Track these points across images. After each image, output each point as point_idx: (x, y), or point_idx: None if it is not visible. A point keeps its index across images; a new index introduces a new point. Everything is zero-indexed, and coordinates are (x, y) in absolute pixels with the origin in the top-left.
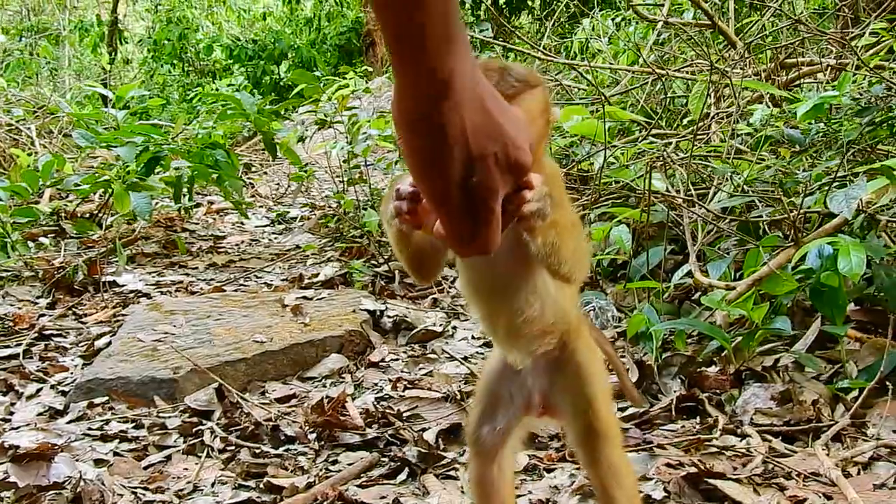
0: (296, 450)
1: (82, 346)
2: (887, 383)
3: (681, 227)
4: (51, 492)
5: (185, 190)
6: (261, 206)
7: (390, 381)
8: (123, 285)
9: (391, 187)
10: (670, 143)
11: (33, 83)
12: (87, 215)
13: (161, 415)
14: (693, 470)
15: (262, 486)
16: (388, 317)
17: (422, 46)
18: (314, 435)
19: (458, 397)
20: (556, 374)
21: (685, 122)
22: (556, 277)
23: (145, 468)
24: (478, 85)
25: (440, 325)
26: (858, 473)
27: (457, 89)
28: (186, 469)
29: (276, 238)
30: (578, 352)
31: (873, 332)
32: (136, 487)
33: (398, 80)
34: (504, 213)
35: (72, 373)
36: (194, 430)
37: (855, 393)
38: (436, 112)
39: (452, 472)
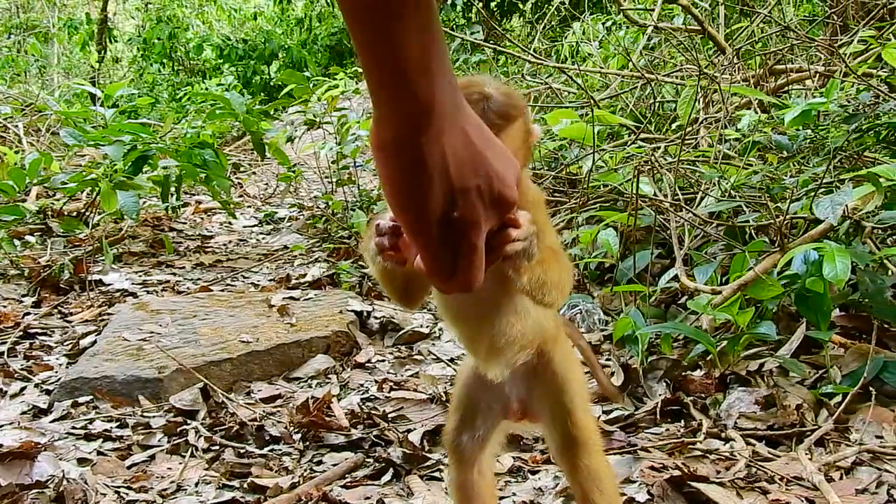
0: (280, 450)
1: (67, 345)
2: (871, 389)
3: (668, 232)
4: (33, 490)
5: (172, 189)
6: (249, 207)
7: (376, 382)
8: (110, 284)
9: (370, 224)
10: (658, 148)
11: (21, 81)
12: (74, 214)
13: (145, 414)
14: (677, 473)
15: (246, 486)
16: (375, 318)
17: (401, 72)
18: (299, 435)
19: (444, 399)
20: (533, 381)
21: (674, 126)
22: (539, 305)
23: (129, 467)
24: (461, 113)
25: (427, 326)
26: (841, 478)
27: (437, 118)
28: (170, 469)
29: (263, 238)
30: (555, 360)
31: (857, 337)
32: (119, 487)
33: (376, 106)
34: (488, 249)
35: (56, 372)
36: (179, 429)
37: (838, 398)
38: (415, 141)
39: (437, 474)
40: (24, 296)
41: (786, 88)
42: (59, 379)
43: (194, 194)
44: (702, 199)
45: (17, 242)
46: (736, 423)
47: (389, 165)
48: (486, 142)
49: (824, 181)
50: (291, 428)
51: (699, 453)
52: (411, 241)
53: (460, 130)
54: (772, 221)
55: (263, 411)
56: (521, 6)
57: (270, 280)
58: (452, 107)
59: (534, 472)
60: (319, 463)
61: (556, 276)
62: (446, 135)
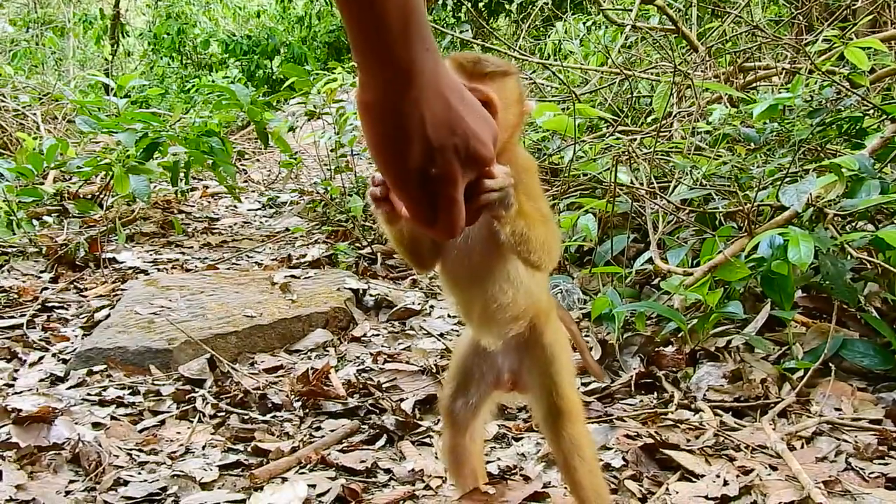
0: (282, 417)
1: (83, 318)
2: (830, 365)
3: (643, 218)
4: (50, 452)
5: (181, 174)
6: (253, 191)
7: (371, 354)
8: (122, 262)
9: (371, 177)
10: (635, 140)
11: (39, 72)
12: (89, 196)
13: (156, 382)
14: (650, 441)
15: (249, 449)
16: (371, 295)
17: (382, 37)
18: (299, 403)
19: (434, 370)
20: (524, 354)
21: (649, 119)
22: (527, 265)
23: (140, 431)
24: (441, 78)
25: (418, 303)
26: (802, 447)
27: (417, 81)
28: (179, 433)
29: (266, 221)
30: (546, 334)
31: (818, 317)
32: (131, 449)
33: (360, 70)
34: (467, 199)
35: (72, 342)
36: (187, 397)
37: (800, 373)
38: (395, 103)
39: (427, 440)
40: (42, 272)
41: (754, 84)
42: (75, 349)
43: (202, 179)
44: (675, 187)
45: (35, 222)
46: (705, 395)
47: (372, 126)
48: (464, 104)
49: (790, 171)
50: (292, 396)
51: (671, 423)
52: (395, 194)
53: (439, 94)
54: (740, 208)
55: (266, 381)
56: (507, 6)
57: (273, 259)
58: (431, 72)
59: (517, 439)
60: (318, 429)
61: (542, 237)
62: (424, 98)
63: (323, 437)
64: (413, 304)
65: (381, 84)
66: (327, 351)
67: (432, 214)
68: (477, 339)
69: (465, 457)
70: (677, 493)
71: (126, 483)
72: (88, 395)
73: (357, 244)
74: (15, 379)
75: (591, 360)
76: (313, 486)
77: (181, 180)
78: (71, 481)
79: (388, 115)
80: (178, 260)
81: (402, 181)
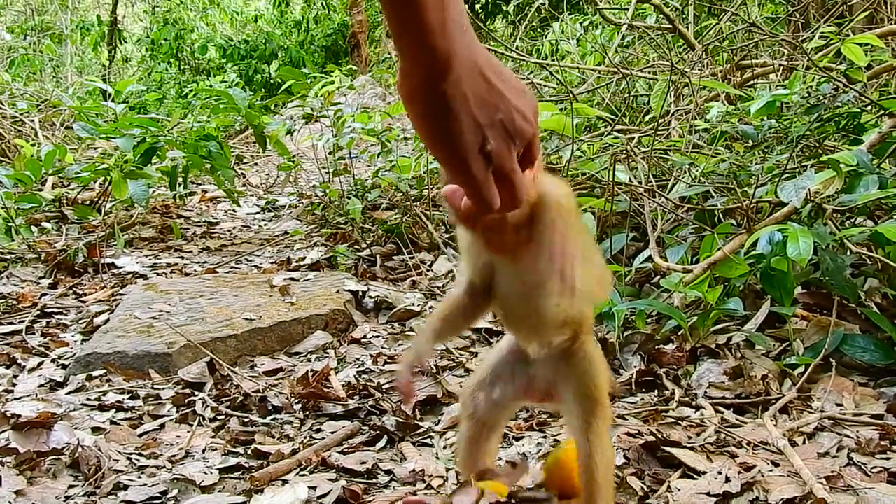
0: (282, 419)
1: (82, 323)
2: (831, 360)
3: (642, 216)
4: (50, 457)
5: (180, 179)
6: (251, 195)
7: (371, 356)
8: (121, 267)
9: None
10: (633, 138)
11: (37, 79)
12: (88, 202)
13: (155, 386)
14: (651, 438)
15: (249, 452)
16: (370, 297)
17: (421, 23)
18: (299, 405)
19: (434, 371)
20: (562, 363)
21: (647, 118)
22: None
23: (140, 435)
24: (478, 57)
25: (418, 305)
26: (804, 443)
27: (456, 65)
28: (179, 436)
29: (265, 224)
30: (587, 342)
31: (818, 312)
32: (130, 453)
33: (401, 58)
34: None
35: (71, 347)
36: (187, 400)
37: (801, 369)
38: (438, 87)
39: (428, 440)
40: (41, 278)
41: (752, 82)
42: (75, 354)
43: (200, 184)
44: (673, 185)
45: (34, 229)
46: (706, 392)
47: (419, 112)
48: (503, 81)
49: (788, 167)
50: (292, 399)
51: (672, 420)
52: (454, 179)
53: (478, 73)
54: (739, 205)
55: (266, 383)
56: (504, 7)
57: (272, 263)
58: (468, 51)
59: (518, 439)
60: (318, 431)
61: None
62: (465, 78)
63: (323, 438)
64: (413, 305)
65: (422, 70)
66: (327, 353)
67: (493, 192)
68: (520, 346)
69: (478, 453)
70: (679, 490)
71: (126, 487)
72: (88, 399)
73: (356, 246)
74: (14, 385)
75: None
76: (314, 487)
77: (179, 185)
78: (70, 486)
79: (433, 99)
80: (177, 264)
81: (458, 163)
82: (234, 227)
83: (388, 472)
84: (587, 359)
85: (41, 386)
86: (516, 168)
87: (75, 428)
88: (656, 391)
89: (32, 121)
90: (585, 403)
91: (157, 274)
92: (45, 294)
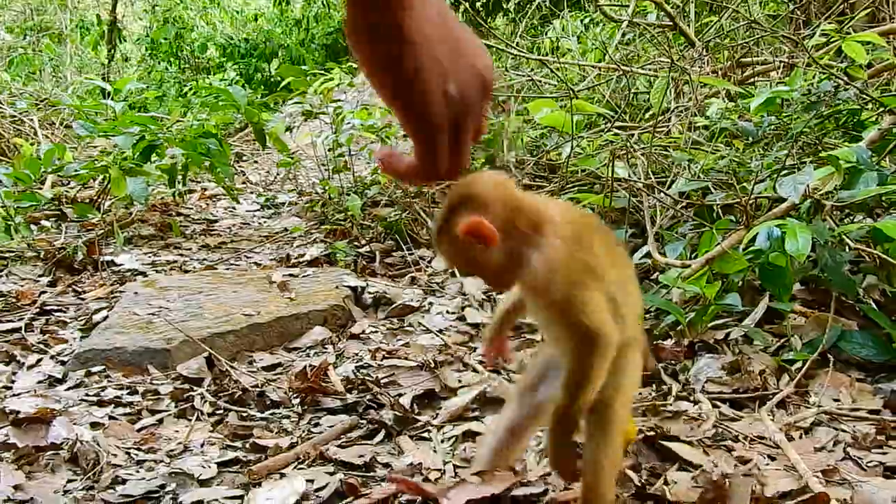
0: (280, 413)
1: (81, 320)
2: (828, 356)
3: (641, 212)
4: (48, 452)
5: (179, 176)
6: (251, 192)
7: (370, 351)
8: (121, 265)
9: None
10: (633, 135)
11: (36, 78)
12: (87, 200)
13: (154, 382)
14: (650, 433)
15: (248, 446)
16: (369, 293)
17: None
18: (298, 400)
19: (432, 366)
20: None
21: (647, 115)
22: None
23: (139, 430)
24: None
25: (417, 300)
26: (801, 437)
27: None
28: (177, 431)
29: (265, 221)
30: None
31: (817, 308)
32: (129, 448)
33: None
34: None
35: (70, 344)
36: (185, 395)
37: (799, 364)
38: (389, 17)
39: (425, 434)
40: (40, 276)
41: (752, 79)
42: (74, 351)
43: (200, 181)
44: (673, 181)
45: (33, 227)
46: (704, 387)
47: (369, 45)
48: (460, 30)
49: (787, 164)
50: (290, 393)
51: (670, 414)
52: (408, 129)
53: (441, 16)
54: (738, 201)
55: (265, 378)
56: (504, 5)
57: (271, 259)
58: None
59: None
60: (317, 425)
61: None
62: (428, 21)
63: (321, 433)
64: (411, 301)
65: (384, 3)
66: (326, 348)
67: (445, 150)
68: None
69: (508, 451)
70: (676, 483)
71: (124, 481)
72: (87, 395)
73: (356, 242)
74: (13, 381)
75: None
76: (311, 481)
77: (179, 182)
78: (69, 480)
79: (394, 35)
80: (176, 261)
81: (428, 131)
82: (234, 225)
83: (386, 465)
84: (617, 371)
85: (40, 382)
86: (469, 138)
87: (74, 423)
88: (655, 386)
89: (32, 120)
90: (604, 406)
91: (157, 271)
92: (44, 292)
